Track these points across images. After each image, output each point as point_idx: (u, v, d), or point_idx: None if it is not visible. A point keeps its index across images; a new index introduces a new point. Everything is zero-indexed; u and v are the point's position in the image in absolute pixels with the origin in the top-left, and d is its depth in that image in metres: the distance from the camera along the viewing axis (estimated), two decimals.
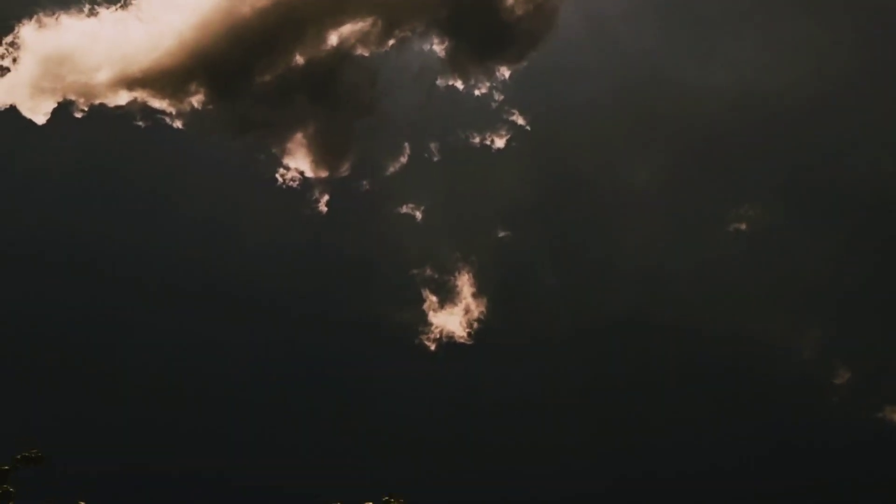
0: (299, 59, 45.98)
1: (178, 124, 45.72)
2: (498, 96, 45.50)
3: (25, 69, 45.23)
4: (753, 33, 44.66)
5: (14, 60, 45.19)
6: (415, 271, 45.27)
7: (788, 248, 43.95)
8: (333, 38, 45.86)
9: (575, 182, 45.45)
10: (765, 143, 44.28)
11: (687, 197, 44.92)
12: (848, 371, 42.12)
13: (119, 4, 45.83)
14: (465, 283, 45.20)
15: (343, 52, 45.90)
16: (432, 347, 44.90)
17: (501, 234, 45.50)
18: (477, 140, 45.69)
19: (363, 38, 45.71)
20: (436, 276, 45.33)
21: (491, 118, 45.51)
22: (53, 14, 45.38)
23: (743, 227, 44.61)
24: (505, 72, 45.35)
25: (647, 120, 45.22)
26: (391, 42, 45.78)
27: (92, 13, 45.73)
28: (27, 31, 45.23)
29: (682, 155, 45.18)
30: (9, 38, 45.35)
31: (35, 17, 45.30)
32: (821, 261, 43.61)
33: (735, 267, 44.11)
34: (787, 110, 44.16)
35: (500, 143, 45.56)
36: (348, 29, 45.63)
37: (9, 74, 45.27)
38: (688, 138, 45.06)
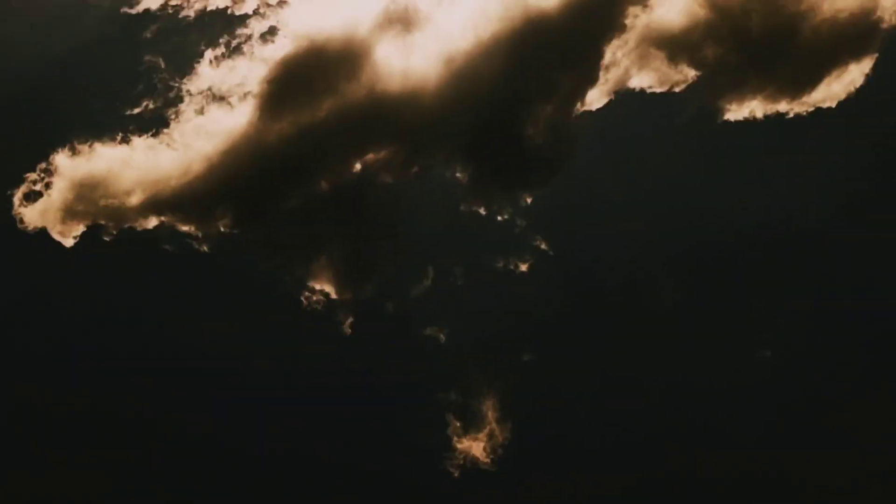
0: (324, 185, 47.15)
1: (204, 248, 46.58)
2: (521, 221, 46.46)
3: (58, 194, 46.43)
4: (779, 163, 46.03)
5: (47, 186, 46.44)
6: (439, 395, 45.33)
7: (815, 376, 44.19)
8: (357, 166, 47.13)
9: (600, 306, 45.90)
10: (792, 271, 45.04)
11: (713, 321, 45.31)
12: None
13: (151, 133, 47.29)
14: (489, 408, 45.22)
15: (367, 179, 47.12)
16: (456, 474, 44.61)
17: (527, 358, 45.73)
18: (501, 264, 46.44)
19: (387, 166, 47.02)
20: (460, 399, 45.36)
21: (514, 243, 46.34)
22: (87, 142, 46.81)
23: (769, 353, 44.98)
24: (527, 198, 46.39)
25: (671, 245, 46.00)
26: (414, 169, 47.03)
27: (125, 140, 47.17)
28: (61, 158, 46.57)
29: (707, 279, 45.80)
30: (42, 165, 46.72)
31: (69, 144, 46.74)
32: (848, 389, 43.87)
33: (761, 394, 44.22)
34: (816, 239, 45.13)
35: (523, 267, 46.33)
36: (372, 157, 46.96)
37: (41, 199, 46.44)
38: (712, 263, 45.76)
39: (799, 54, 44.55)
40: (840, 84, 44.82)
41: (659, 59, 45.51)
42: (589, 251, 46.42)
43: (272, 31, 48.29)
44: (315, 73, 47.31)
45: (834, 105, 45.06)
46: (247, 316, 46.48)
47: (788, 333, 44.86)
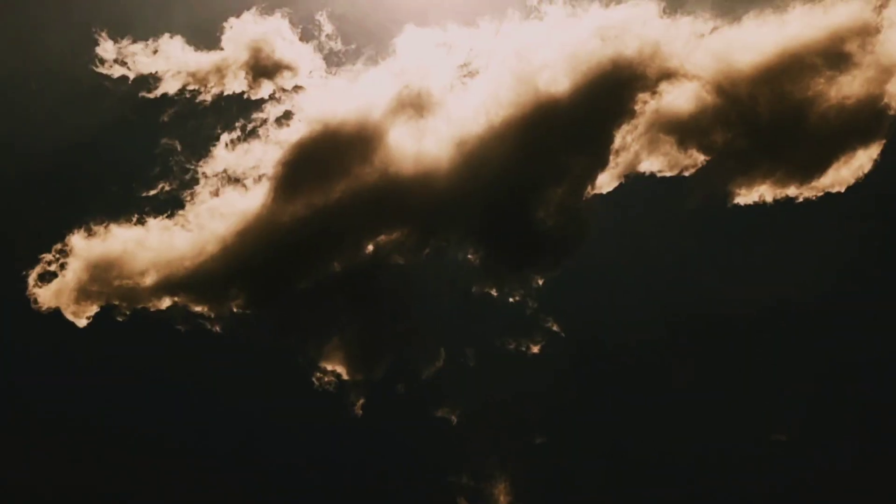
0: (337, 267, 47.47)
1: (217, 328, 46.74)
2: (532, 303, 46.58)
3: (72, 274, 46.79)
4: (788, 246, 46.36)
5: (62, 266, 46.83)
6: (450, 478, 44.92)
7: (832, 460, 43.77)
8: (370, 247, 47.51)
9: (611, 388, 45.78)
10: (804, 352, 45.03)
11: (725, 403, 45.13)
12: None
13: (166, 214, 47.86)
14: (501, 492, 44.71)
15: (379, 260, 47.45)
16: None
17: (539, 441, 45.42)
18: (512, 346, 46.43)
19: (399, 248, 47.40)
20: (472, 483, 44.91)
21: (526, 325, 46.38)
22: (103, 223, 47.34)
23: (784, 438, 44.62)
24: (539, 280, 46.57)
25: (682, 328, 46.04)
26: (426, 251, 47.39)
27: (140, 222, 47.68)
28: (76, 239, 47.05)
29: (718, 362, 45.74)
30: (58, 245, 47.19)
31: (85, 225, 47.28)
32: (868, 473, 43.41)
33: (778, 478, 43.78)
34: (826, 320, 45.25)
35: (535, 349, 46.32)
36: (384, 239, 47.36)
37: (56, 280, 46.79)
38: (723, 346, 45.74)
39: (807, 140, 45.12)
40: (849, 169, 45.35)
41: (668, 144, 46.18)
42: (600, 333, 46.45)
43: (287, 115, 48.97)
44: (329, 156, 48.03)
45: (843, 190, 45.45)
46: (258, 396, 46.40)
47: (800, 413, 44.60)
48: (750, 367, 45.54)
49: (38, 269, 46.81)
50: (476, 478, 44.87)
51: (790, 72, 45.11)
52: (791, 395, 45.31)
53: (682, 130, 45.97)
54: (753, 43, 45.69)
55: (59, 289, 46.67)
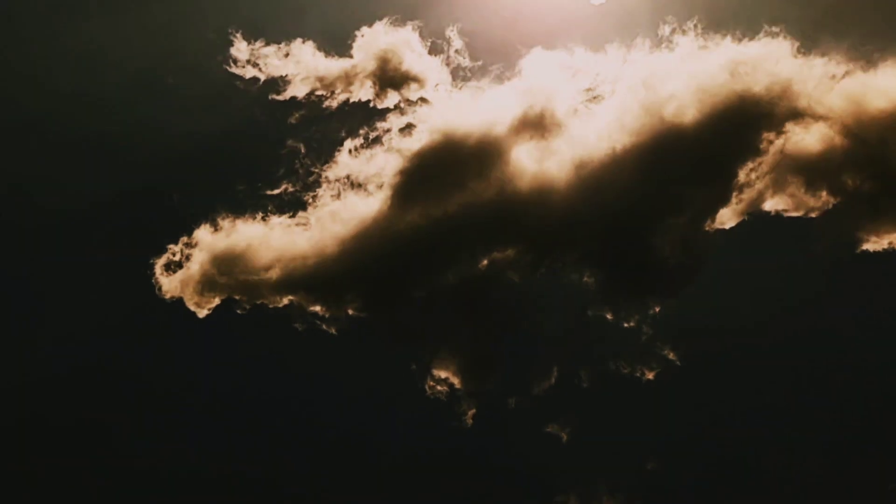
0: (451, 278, 48.29)
1: (332, 330, 47.79)
2: (647, 329, 46.96)
3: (197, 266, 48.16)
4: None
5: (187, 258, 48.25)
6: (558, 498, 45.45)
7: None
8: (484, 262, 48.26)
9: (728, 422, 45.94)
10: None
11: (843, 450, 45.09)
12: None
13: (289, 214, 49.01)
14: None
15: (493, 275, 48.20)
16: None
17: (650, 467, 45.77)
18: (627, 370, 46.85)
19: (513, 265, 48.13)
20: None
21: (641, 350, 46.74)
22: (228, 218, 48.66)
23: None
24: (655, 307, 46.92)
25: (802, 373, 46.06)
26: (541, 270, 48.02)
27: (264, 219, 48.90)
28: (202, 233, 48.41)
29: (837, 406, 45.71)
30: (185, 238, 48.62)
31: (211, 220, 48.63)
32: None
33: None
34: None
35: (649, 375, 46.67)
36: (499, 255, 48.07)
37: (181, 271, 48.19)
38: (844, 393, 45.67)
39: None
40: None
41: (794, 185, 46.34)
42: (719, 365, 46.59)
43: (410, 127, 49.76)
44: (449, 170, 48.87)
45: None
46: (371, 401, 47.31)
47: None
48: (870, 416, 45.26)
49: (164, 259, 48.15)
50: (585, 500, 45.31)
51: None
52: None
53: (810, 171, 46.16)
54: (888, 88, 45.75)
55: (184, 279, 48.09)
